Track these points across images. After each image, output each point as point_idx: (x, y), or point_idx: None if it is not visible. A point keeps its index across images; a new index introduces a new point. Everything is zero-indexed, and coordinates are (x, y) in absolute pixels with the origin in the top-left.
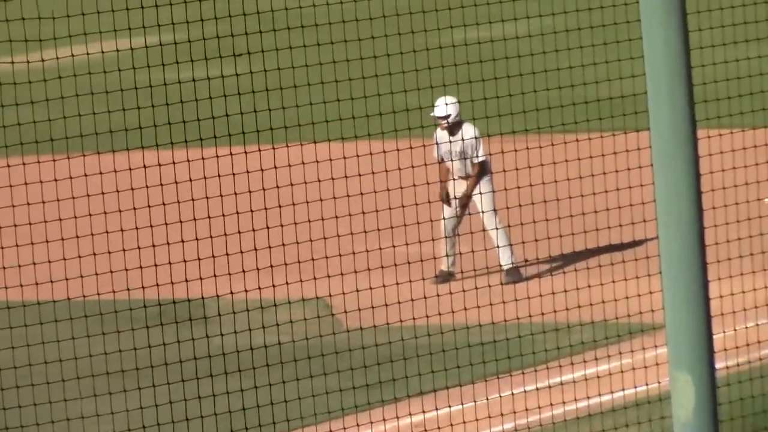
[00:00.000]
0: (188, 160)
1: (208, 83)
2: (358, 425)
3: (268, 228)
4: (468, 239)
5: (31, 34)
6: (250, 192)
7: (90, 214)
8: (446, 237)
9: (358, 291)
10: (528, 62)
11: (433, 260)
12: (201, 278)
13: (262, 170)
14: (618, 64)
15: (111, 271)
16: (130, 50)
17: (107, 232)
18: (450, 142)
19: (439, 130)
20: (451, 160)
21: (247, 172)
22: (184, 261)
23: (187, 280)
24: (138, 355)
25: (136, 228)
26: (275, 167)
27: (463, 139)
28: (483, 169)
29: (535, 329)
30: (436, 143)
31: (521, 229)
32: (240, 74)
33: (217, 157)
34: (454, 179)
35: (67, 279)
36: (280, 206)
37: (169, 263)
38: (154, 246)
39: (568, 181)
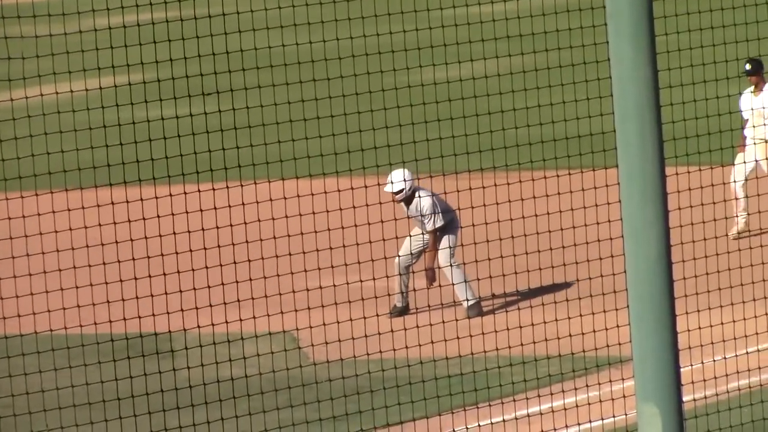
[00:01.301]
0: (156, 197)
1: (177, 122)
2: None
3: (235, 263)
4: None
5: (15, 73)
6: (218, 228)
7: (57, 250)
8: (400, 274)
9: (324, 324)
10: (497, 101)
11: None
12: (168, 312)
13: (230, 206)
14: (587, 103)
15: (78, 306)
16: (114, 87)
17: (75, 267)
18: (406, 211)
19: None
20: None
21: (215, 208)
22: (152, 295)
23: (154, 315)
24: (105, 388)
25: (104, 263)
26: (243, 204)
27: (419, 209)
28: (436, 236)
29: (502, 362)
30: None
31: (489, 264)
32: (209, 113)
33: (186, 194)
34: (410, 218)
35: (34, 313)
36: (247, 242)
37: (137, 297)
38: (121, 281)
39: (536, 218)
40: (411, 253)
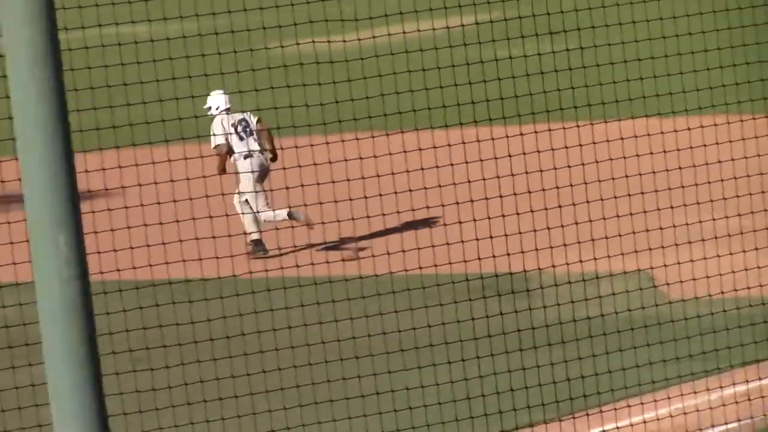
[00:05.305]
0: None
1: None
2: (681, 395)
3: (588, 202)
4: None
5: (361, 13)
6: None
7: (410, 190)
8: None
9: (679, 263)
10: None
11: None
12: (523, 252)
13: (581, 146)
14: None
15: (432, 246)
16: (461, 27)
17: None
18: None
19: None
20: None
21: (566, 147)
22: (506, 235)
23: (509, 254)
24: (461, 327)
25: (457, 203)
26: (593, 143)
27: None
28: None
29: None
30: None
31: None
32: (556, 52)
33: (536, 132)
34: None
35: (388, 253)
36: (599, 181)
37: (491, 237)
38: (474, 220)
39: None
40: (254, 180)
